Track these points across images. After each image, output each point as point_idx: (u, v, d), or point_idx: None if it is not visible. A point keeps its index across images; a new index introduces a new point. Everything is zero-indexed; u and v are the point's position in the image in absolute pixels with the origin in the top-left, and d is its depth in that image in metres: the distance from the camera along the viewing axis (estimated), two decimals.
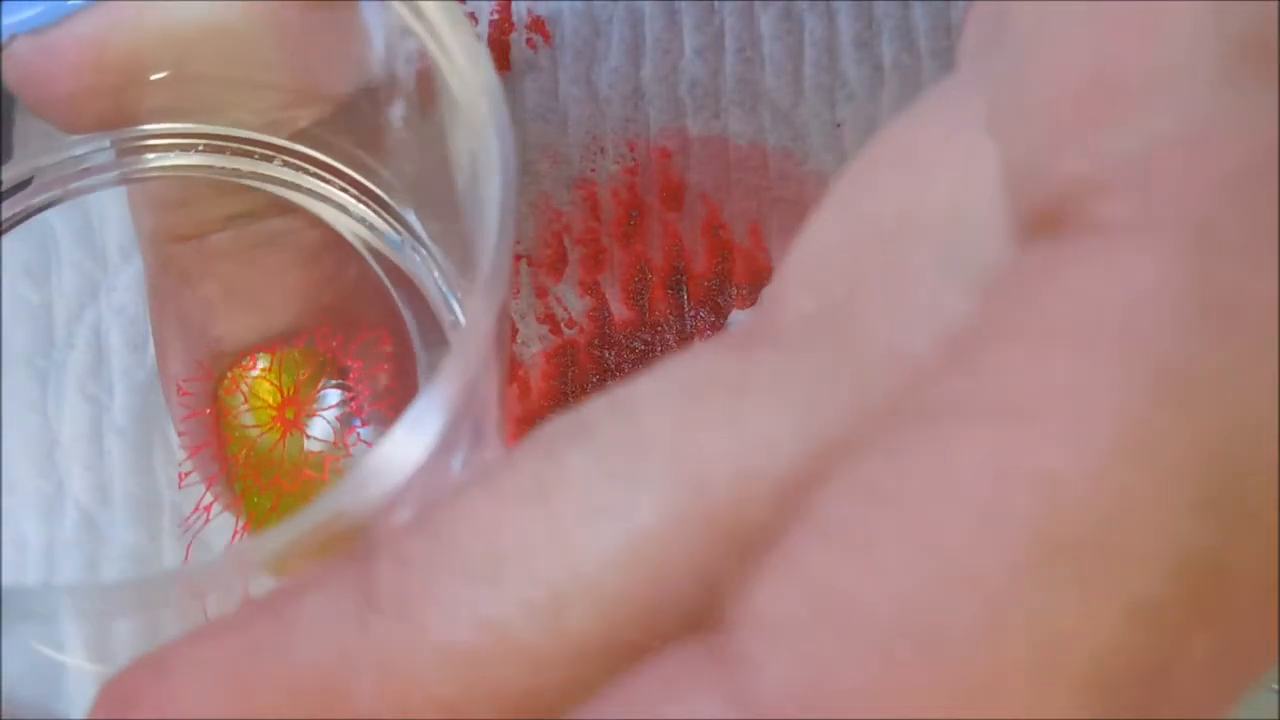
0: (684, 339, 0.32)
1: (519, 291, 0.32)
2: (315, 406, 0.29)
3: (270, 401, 0.29)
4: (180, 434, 0.29)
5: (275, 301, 0.28)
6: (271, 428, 0.29)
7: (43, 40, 0.23)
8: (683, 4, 0.33)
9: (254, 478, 0.29)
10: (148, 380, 0.30)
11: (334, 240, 0.28)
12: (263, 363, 0.29)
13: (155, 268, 0.28)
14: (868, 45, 0.33)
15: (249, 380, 0.29)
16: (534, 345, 0.31)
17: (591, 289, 0.32)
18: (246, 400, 0.29)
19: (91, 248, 0.30)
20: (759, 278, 0.32)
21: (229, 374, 0.29)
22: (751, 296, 0.32)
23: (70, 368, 0.30)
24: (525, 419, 0.31)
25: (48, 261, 0.30)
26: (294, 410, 0.29)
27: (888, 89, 0.33)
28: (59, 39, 0.23)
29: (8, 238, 0.28)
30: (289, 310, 0.28)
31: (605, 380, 0.31)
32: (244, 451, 0.29)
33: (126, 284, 0.31)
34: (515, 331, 0.31)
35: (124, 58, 0.24)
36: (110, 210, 0.30)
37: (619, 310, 0.32)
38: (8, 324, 0.30)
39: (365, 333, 0.29)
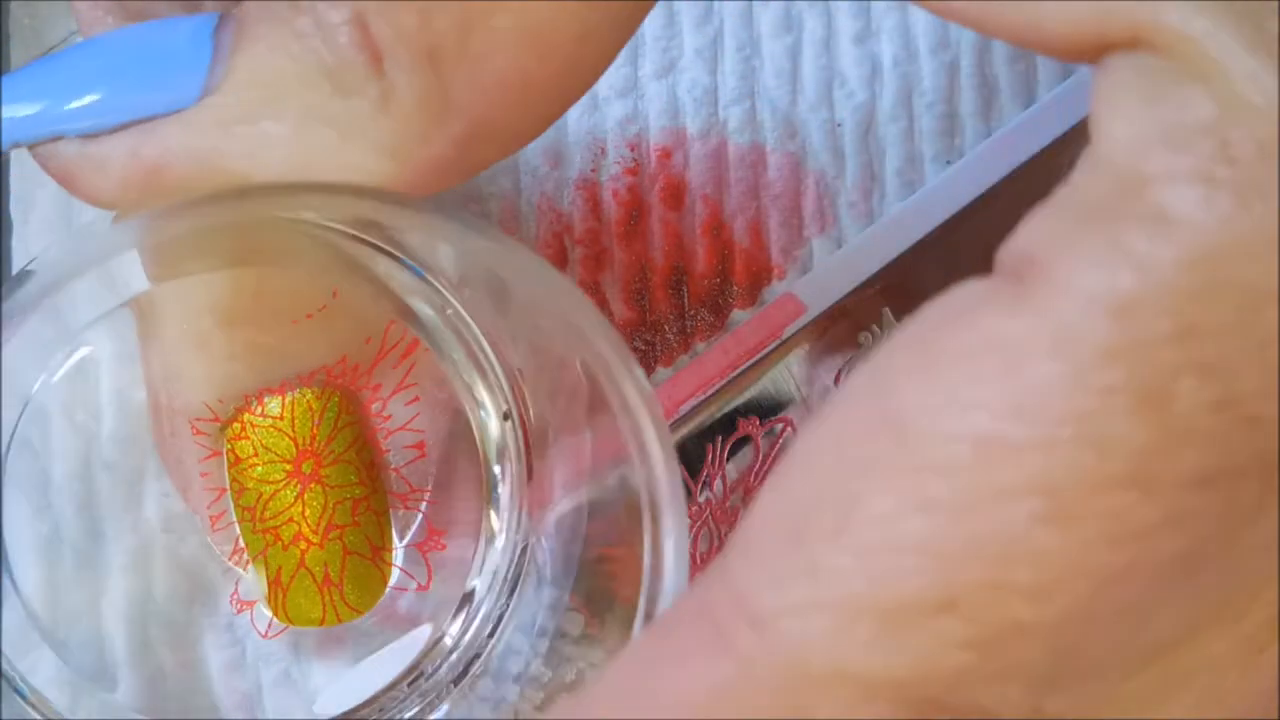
0: (684, 339, 0.32)
1: None
2: (334, 452, 0.27)
3: (285, 455, 0.26)
4: (203, 475, 0.27)
5: (282, 340, 0.26)
6: (287, 484, 0.26)
7: (92, 149, 0.22)
8: (682, 4, 0.33)
9: (273, 535, 0.26)
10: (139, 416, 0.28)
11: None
12: (273, 407, 0.26)
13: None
14: (866, 44, 0.33)
15: (259, 430, 0.26)
16: None
17: (592, 289, 0.32)
18: (257, 453, 0.26)
19: None
20: (759, 278, 0.32)
21: (237, 419, 0.26)
22: (751, 296, 0.32)
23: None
24: None
25: None
26: (311, 463, 0.26)
27: (887, 88, 0.33)
28: (110, 153, 0.22)
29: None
30: (297, 347, 0.26)
31: None
32: (259, 505, 0.27)
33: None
34: None
35: (178, 186, 0.22)
36: None
37: (619, 310, 0.32)
38: None
39: (383, 351, 0.27)
